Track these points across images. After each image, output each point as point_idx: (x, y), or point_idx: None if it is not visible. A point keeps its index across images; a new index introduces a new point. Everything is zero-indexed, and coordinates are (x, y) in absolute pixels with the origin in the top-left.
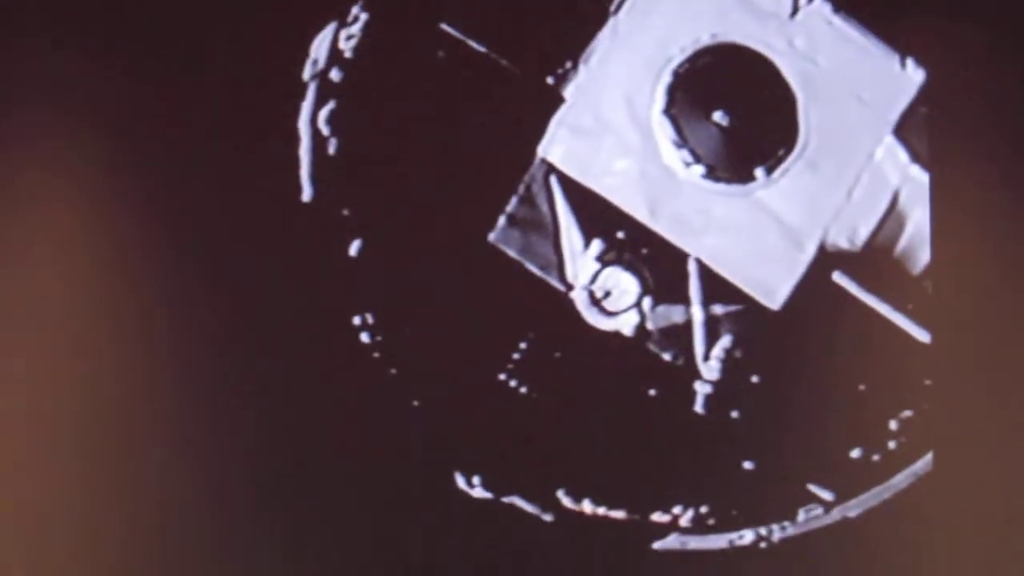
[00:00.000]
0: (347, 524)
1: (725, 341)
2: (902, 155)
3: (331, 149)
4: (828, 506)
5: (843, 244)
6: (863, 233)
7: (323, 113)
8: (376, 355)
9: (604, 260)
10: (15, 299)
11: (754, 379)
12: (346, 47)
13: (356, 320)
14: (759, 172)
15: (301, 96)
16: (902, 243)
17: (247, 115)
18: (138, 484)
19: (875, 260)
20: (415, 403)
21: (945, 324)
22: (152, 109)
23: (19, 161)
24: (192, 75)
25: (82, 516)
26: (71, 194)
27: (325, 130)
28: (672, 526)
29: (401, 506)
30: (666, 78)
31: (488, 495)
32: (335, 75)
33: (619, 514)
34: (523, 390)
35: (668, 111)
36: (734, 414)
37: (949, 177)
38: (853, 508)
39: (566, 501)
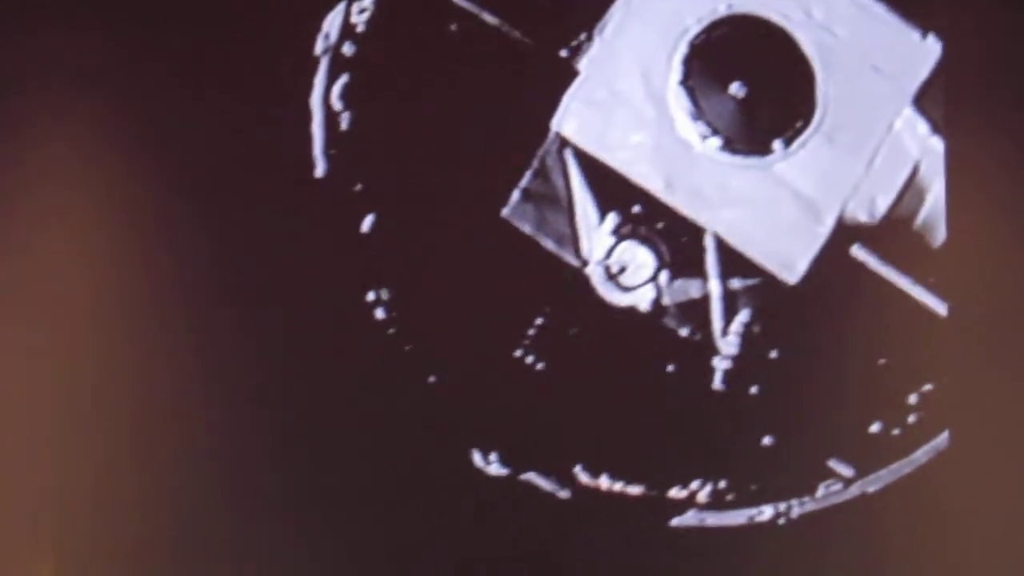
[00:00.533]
0: (362, 501)
1: (743, 316)
2: (922, 126)
3: (344, 124)
4: (848, 482)
5: (862, 217)
6: (882, 206)
7: (336, 88)
8: (391, 331)
9: (620, 234)
10: (28, 280)
11: (773, 354)
12: (358, 20)
13: (371, 296)
14: (777, 144)
15: (314, 71)
16: (922, 216)
17: (260, 90)
18: (156, 453)
19: (895, 233)
20: (431, 379)
21: (961, 296)
22: (165, 85)
23: (32, 141)
24: (205, 51)
25: (99, 493)
26: (83, 172)
27: (338, 105)
28: (690, 502)
29: (417, 483)
30: (682, 49)
31: (505, 471)
32: (347, 49)
33: (636, 490)
34: (539, 366)
35: (684, 83)
36: (753, 390)
37: (965, 148)
38: (873, 483)
39: (583, 477)
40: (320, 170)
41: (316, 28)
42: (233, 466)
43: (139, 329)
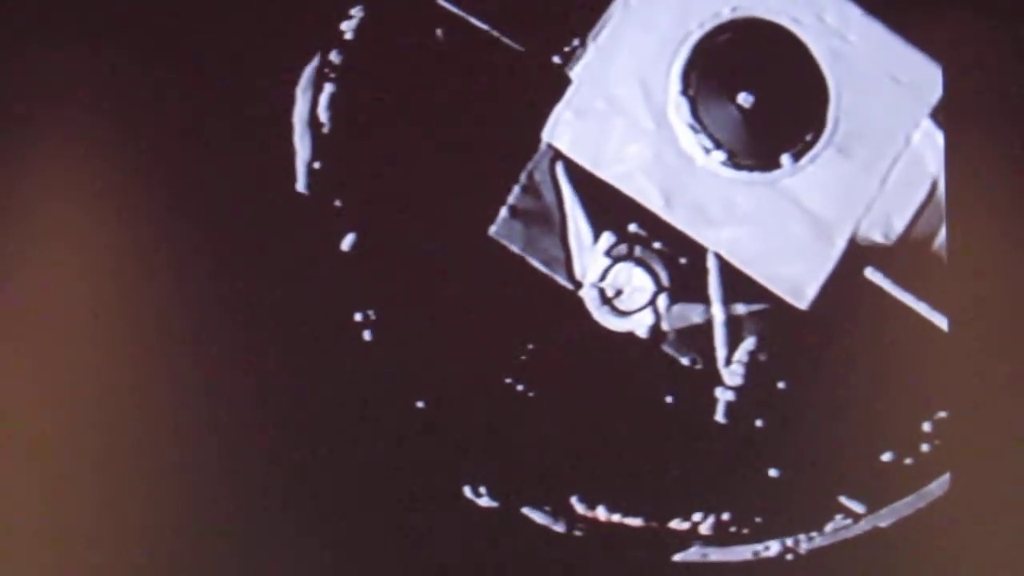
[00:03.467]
0: (347, 530)
1: (748, 343)
2: (941, 140)
3: (328, 136)
4: (858, 516)
5: (876, 237)
6: (898, 225)
7: (322, 98)
8: (379, 354)
9: (615, 255)
10: (27, 291)
11: (780, 385)
12: (347, 28)
13: (358, 316)
14: (785, 159)
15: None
16: (941, 236)
17: (248, 101)
18: (147, 487)
19: (911, 255)
20: (419, 405)
21: (968, 319)
22: (155, 100)
23: (32, 158)
24: (193, 61)
25: (101, 511)
26: (70, 189)
27: (323, 116)
28: (692, 534)
29: (404, 515)
30: (683, 56)
31: (495, 504)
32: (335, 57)
33: (636, 522)
34: (531, 394)
35: (685, 92)
36: (758, 422)
37: (965, 170)
38: (885, 518)
39: (579, 508)
40: (302, 185)
41: (304, 41)
42: (214, 488)
43: (129, 345)
